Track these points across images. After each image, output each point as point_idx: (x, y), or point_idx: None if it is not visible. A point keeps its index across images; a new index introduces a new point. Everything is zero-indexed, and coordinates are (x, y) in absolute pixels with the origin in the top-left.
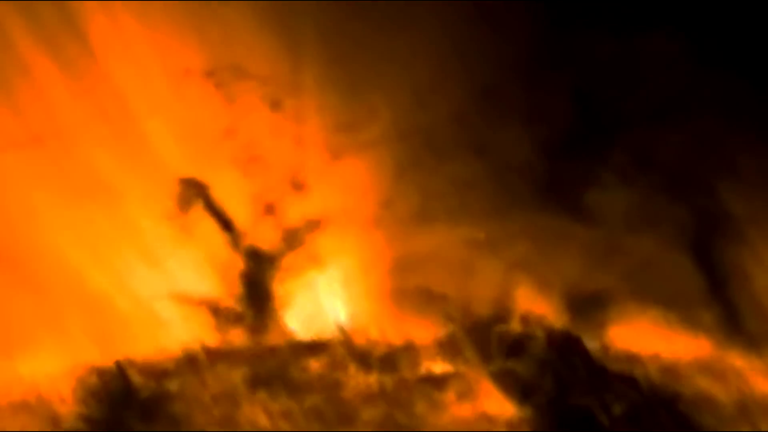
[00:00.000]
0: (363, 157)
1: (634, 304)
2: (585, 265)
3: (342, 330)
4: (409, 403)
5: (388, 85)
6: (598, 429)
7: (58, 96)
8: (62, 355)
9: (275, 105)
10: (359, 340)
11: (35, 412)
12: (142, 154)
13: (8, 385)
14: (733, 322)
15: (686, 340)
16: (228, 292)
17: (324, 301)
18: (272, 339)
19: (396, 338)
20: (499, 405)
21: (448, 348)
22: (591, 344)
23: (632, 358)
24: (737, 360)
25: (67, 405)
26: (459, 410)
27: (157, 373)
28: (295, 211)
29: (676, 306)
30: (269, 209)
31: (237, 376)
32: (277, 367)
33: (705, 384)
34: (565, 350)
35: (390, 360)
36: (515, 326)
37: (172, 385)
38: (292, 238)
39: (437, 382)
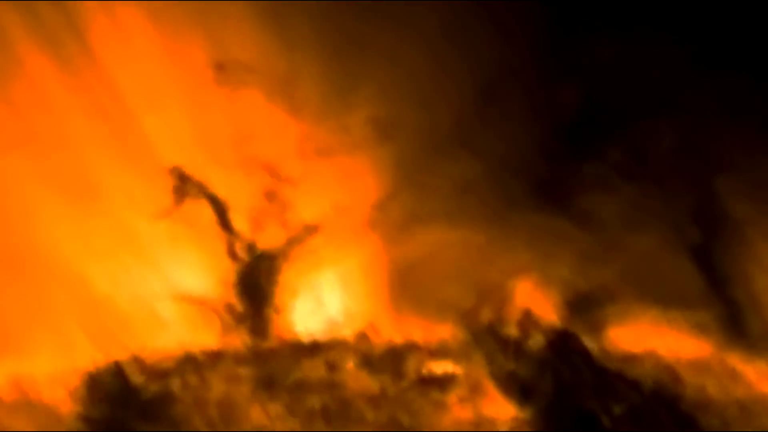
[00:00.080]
0: (363, 158)
1: (634, 305)
2: (585, 265)
3: (343, 331)
4: (410, 404)
5: (388, 85)
6: (598, 430)
7: (58, 96)
8: (62, 355)
9: (275, 105)
10: (360, 341)
11: (35, 412)
12: (142, 154)
13: (8, 385)
14: (733, 323)
15: (686, 340)
16: (228, 292)
17: (325, 302)
18: (273, 339)
19: (397, 339)
20: (500, 406)
21: (448, 349)
22: (591, 345)
23: (632, 359)
24: (737, 360)
25: (67, 405)
26: (460, 411)
27: (158, 373)
28: (296, 212)
29: (676, 306)
30: (270, 209)
31: (237, 376)
32: (278, 367)
33: (705, 384)
34: (565, 351)
35: (390, 361)
36: (515, 327)
37: (173, 386)
38: (293, 239)
39: (438, 383)
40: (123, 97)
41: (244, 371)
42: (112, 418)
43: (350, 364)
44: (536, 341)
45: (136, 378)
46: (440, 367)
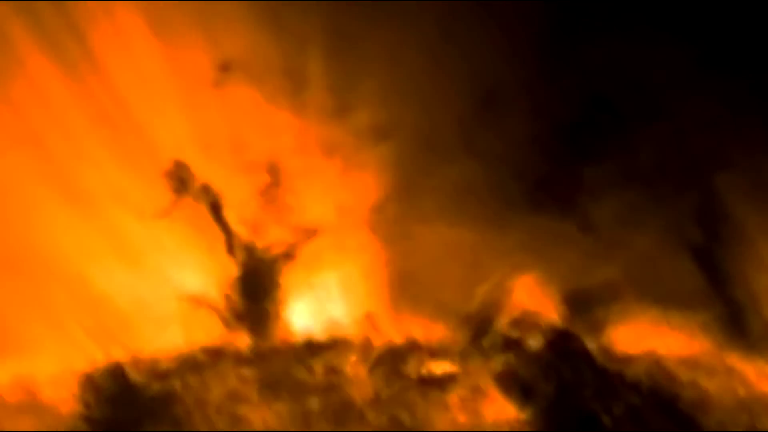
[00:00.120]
0: (364, 158)
1: (634, 305)
2: (585, 265)
3: (343, 331)
4: (410, 404)
5: (389, 86)
6: (599, 429)
7: (58, 96)
8: (63, 355)
9: (275, 106)
10: (360, 341)
11: (36, 412)
12: (143, 155)
13: (9, 385)
14: (733, 322)
15: (686, 340)
16: (229, 292)
17: (325, 302)
18: (274, 340)
19: (397, 339)
20: (500, 406)
21: (448, 349)
22: (591, 345)
23: (632, 358)
24: (737, 360)
25: (68, 405)
26: (460, 411)
27: (158, 373)
28: (296, 213)
29: (676, 306)
30: (270, 210)
31: (238, 376)
32: (279, 367)
33: (705, 384)
34: (565, 351)
35: (390, 361)
36: (515, 327)
37: (173, 386)
38: (293, 239)
39: (438, 383)
40: (123, 97)
41: (245, 371)
42: (112, 418)
43: (350, 364)
44: (536, 341)
45: (137, 378)
46: (440, 367)
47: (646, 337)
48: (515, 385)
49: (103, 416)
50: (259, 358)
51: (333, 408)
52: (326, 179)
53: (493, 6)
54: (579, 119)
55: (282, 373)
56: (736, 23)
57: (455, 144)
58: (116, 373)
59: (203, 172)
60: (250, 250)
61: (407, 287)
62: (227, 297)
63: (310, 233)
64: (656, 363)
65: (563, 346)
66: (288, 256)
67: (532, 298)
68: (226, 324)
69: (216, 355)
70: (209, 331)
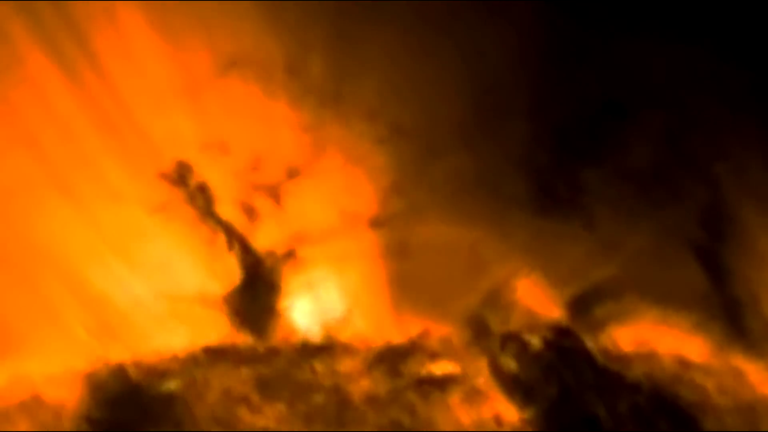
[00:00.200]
0: (364, 158)
1: (635, 304)
2: (586, 264)
3: (343, 331)
4: (410, 405)
5: (389, 85)
6: (599, 429)
7: (58, 96)
8: (62, 355)
9: (275, 105)
10: (361, 342)
11: (36, 413)
12: (143, 153)
13: (9, 385)
14: (734, 322)
15: (687, 340)
16: (229, 292)
17: (325, 302)
18: (274, 340)
19: (397, 339)
20: (501, 406)
21: (449, 349)
22: (592, 345)
23: (633, 359)
24: (739, 360)
25: (68, 405)
26: (462, 412)
27: (159, 373)
28: (296, 212)
29: (678, 305)
30: (271, 209)
31: (238, 376)
32: (279, 367)
33: (706, 384)
34: (567, 351)
35: (391, 361)
36: (516, 327)
37: (174, 386)
38: (294, 239)
39: (439, 384)
40: (123, 97)
41: (245, 371)
42: (113, 418)
43: (350, 365)
44: (537, 341)
45: (138, 378)
46: (441, 368)
47: (647, 337)
48: (516, 386)
49: (104, 416)
50: (259, 358)
51: (333, 408)
52: (327, 179)
53: (495, 5)
54: (579, 119)
55: (282, 373)
56: (736, 23)
57: (456, 144)
58: (117, 373)
59: (204, 171)
60: (250, 250)
61: (407, 287)
62: (228, 297)
63: (311, 233)
64: (657, 363)
65: (564, 346)
66: (289, 255)
67: (533, 298)
68: (227, 324)
69: (217, 354)
70: (210, 331)
